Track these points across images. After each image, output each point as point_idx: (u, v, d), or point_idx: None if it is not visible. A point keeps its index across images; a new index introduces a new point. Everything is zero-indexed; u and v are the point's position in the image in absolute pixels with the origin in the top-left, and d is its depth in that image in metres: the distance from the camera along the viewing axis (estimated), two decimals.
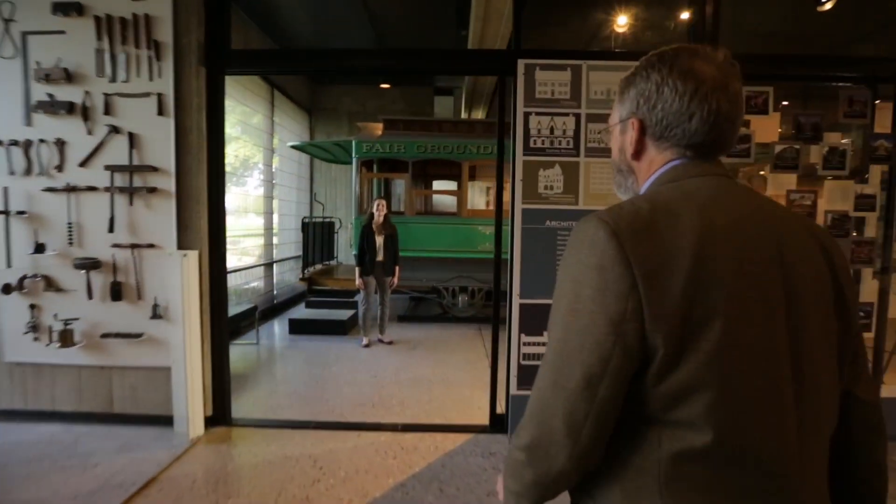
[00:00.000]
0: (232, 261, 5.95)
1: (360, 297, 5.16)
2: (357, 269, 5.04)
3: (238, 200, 6.45)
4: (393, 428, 3.10)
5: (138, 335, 2.91)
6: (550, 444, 0.61)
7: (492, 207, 8.20)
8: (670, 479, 0.57)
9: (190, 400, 2.90)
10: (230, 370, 3.22)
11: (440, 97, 8.88)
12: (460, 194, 5.95)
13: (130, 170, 2.83)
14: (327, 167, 8.82)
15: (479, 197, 8.57)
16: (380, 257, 5.04)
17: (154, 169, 2.83)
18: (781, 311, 0.59)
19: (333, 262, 7.90)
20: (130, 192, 2.84)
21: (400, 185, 7.68)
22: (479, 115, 8.82)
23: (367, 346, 5.12)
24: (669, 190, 0.65)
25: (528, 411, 0.65)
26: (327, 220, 7.71)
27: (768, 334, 0.58)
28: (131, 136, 2.82)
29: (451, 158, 5.91)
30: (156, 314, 2.89)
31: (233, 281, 5.91)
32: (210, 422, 3.04)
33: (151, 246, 2.88)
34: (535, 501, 0.67)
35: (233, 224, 6.21)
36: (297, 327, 5.59)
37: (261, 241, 6.70)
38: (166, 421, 2.92)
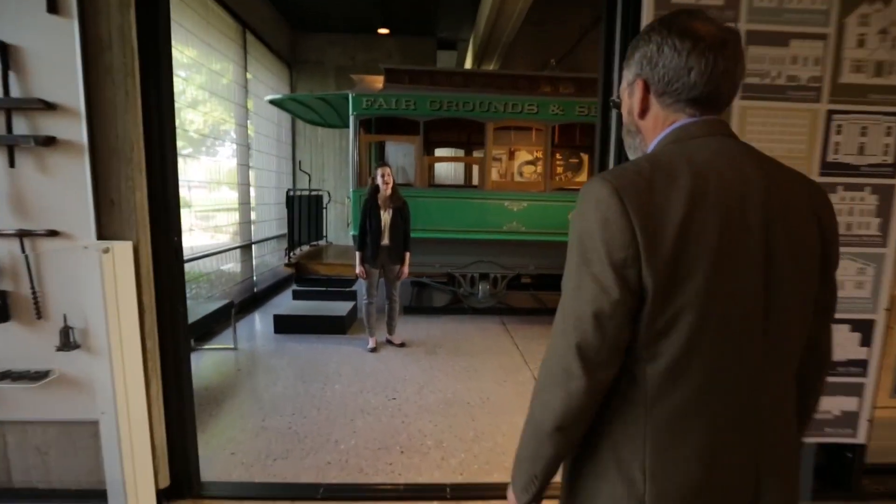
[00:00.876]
0: (202, 240, 4.81)
1: (361, 290, 4.13)
2: (357, 255, 3.99)
3: (206, 173, 5.24)
4: (439, 495, 2.16)
5: (42, 374, 1.84)
6: (569, 379, 0.68)
7: (523, 178, 7.20)
8: (654, 404, 0.68)
9: (130, 467, 1.88)
10: (193, 412, 2.18)
11: (444, 52, 7.65)
12: (483, 162, 4.89)
13: (7, 107, 1.70)
14: (312, 131, 7.57)
15: (508, 165, 7.50)
16: (385, 240, 4.00)
17: (49, 106, 1.70)
18: (759, 268, 0.67)
19: (322, 243, 6.80)
20: (9, 145, 1.71)
21: (397, 151, 6.56)
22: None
23: (373, 349, 4.13)
24: (672, 151, 0.71)
25: (548, 367, 0.72)
26: (314, 193, 6.55)
27: (744, 286, 0.67)
28: (3, 49, 1.67)
29: (473, 118, 4.81)
30: (68, 341, 1.82)
31: (203, 266, 4.79)
32: (166, 495, 2.04)
33: (54, 234, 1.78)
34: (550, 474, 0.76)
35: (201, 199, 5.03)
36: (285, 325, 4.54)
37: (235, 217, 5.54)
38: (97, 498, 1.91)
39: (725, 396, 0.68)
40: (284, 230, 5.51)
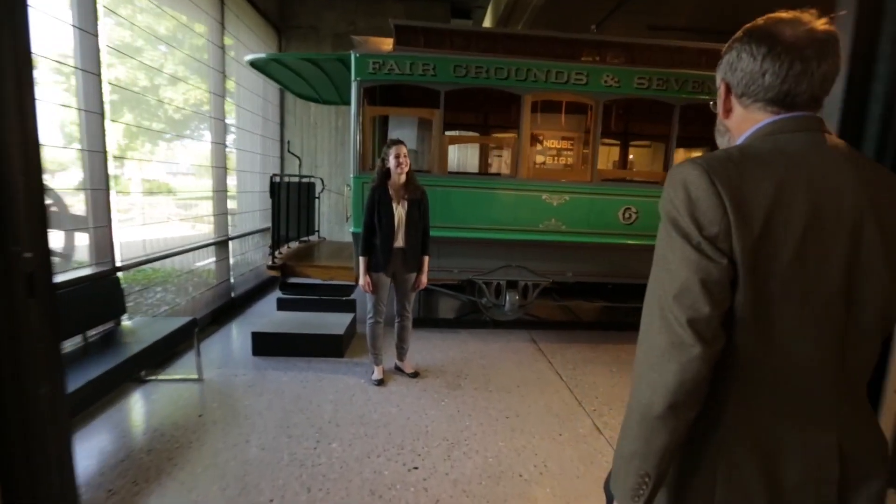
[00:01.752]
0: (169, 233, 3.81)
1: (361, 300, 3.19)
2: (360, 261, 3.04)
3: (167, 152, 4.24)
4: None
5: None
6: (680, 351, 0.69)
7: (568, 162, 6.25)
8: (737, 379, 0.73)
9: None
10: None
11: (458, 20, 6.66)
12: (518, 146, 3.94)
13: None
14: (303, 108, 6.55)
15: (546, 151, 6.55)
16: (399, 241, 3.06)
17: None
18: (843, 261, 0.70)
19: (314, 238, 5.82)
20: None
21: (399, 133, 5.58)
22: None
23: (380, 381, 3.20)
24: (763, 143, 0.76)
25: (642, 356, 0.74)
26: (305, 180, 5.56)
27: (825, 277, 0.70)
28: None
29: (506, 88, 3.85)
30: None
31: (166, 267, 3.81)
32: None
33: None
34: (663, 471, 0.74)
35: (160, 185, 4.03)
36: (266, 345, 3.59)
37: (209, 208, 4.55)
38: None
39: (803, 381, 0.73)
40: (270, 223, 4.53)
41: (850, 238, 0.71)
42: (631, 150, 6.31)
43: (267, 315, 4.44)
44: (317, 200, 5.84)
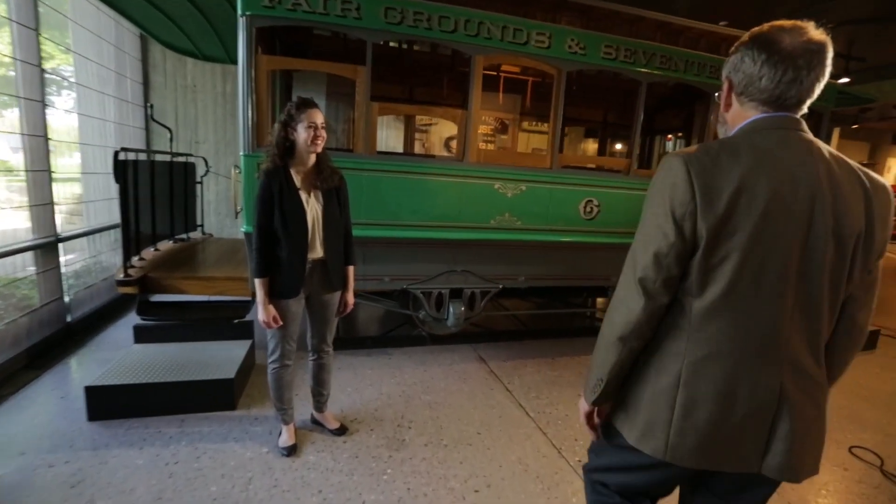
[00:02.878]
0: None
1: (268, 343, 2.19)
2: (258, 286, 2.03)
3: None
4: None
5: None
6: (630, 301, 0.94)
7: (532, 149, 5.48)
8: (696, 330, 0.93)
9: None
10: None
11: None
12: (466, 122, 3.12)
13: None
14: (177, 65, 5.06)
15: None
16: (316, 251, 2.12)
17: None
18: (796, 239, 0.87)
19: (196, 235, 4.51)
20: None
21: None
22: None
23: (291, 449, 2.25)
24: (741, 137, 0.92)
25: (617, 295, 0.99)
26: (180, 159, 4.22)
27: (782, 251, 0.87)
28: None
29: (453, 43, 2.99)
30: None
31: None
32: None
33: None
34: (613, 378, 1.01)
35: None
36: (110, 404, 2.42)
37: (20, 197, 3.10)
38: None
39: (755, 330, 0.90)
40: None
41: (804, 220, 0.87)
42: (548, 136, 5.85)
43: (121, 349, 3.18)
44: (198, 186, 4.51)
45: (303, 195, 2.05)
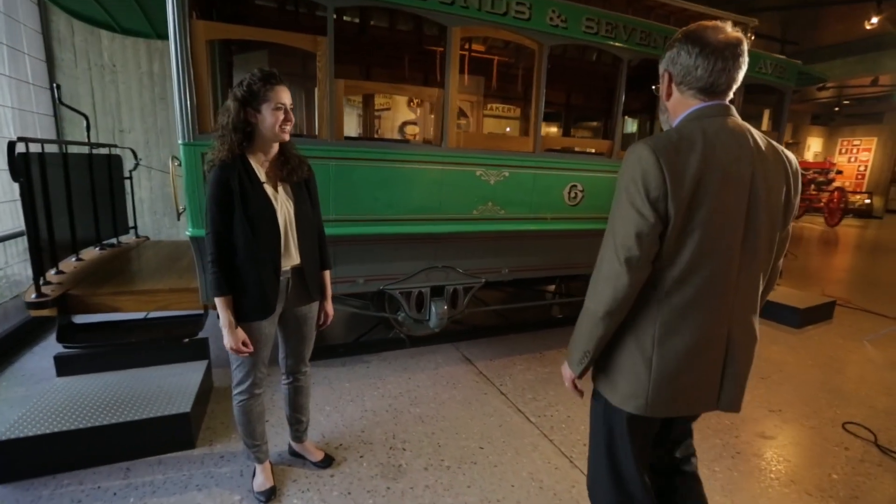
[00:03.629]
0: None
1: (233, 371, 1.80)
2: (219, 305, 1.64)
3: None
4: None
5: None
6: (617, 279, 1.05)
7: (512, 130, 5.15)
8: (666, 298, 1.08)
9: None
10: None
11: None
12: (444, 102, 2.79)
13: None
14: (89, 39, 4.31)
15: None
16: (291, 257, 1.76)
17: None
18: (744, 207, 1.06)
19: (129, 239, 3.90)
20: None
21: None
22: None
23: (270, 493, 1.90)
24: (692, 126, 1.06)
25: (601, 274, 1.09)
26: (102, 150, 3.59)
27: (733, 217, 1.05)
28: None
29: (428, 12, 2.64)
30: None
31: None
32: None
33: None
34: (598, 350, 1.15)
35: None
36: (37, 459, 1.93)
37: None
38: None
39: (715, 291, 1.07)
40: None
41: (748, 192, 1.05)
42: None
43: (41, 382, 2.63)
44: (127, 182, 3.88)
45: (269, 191, 1.67)
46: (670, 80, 1.12)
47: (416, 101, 5.87)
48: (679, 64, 1.09)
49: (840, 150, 16.09)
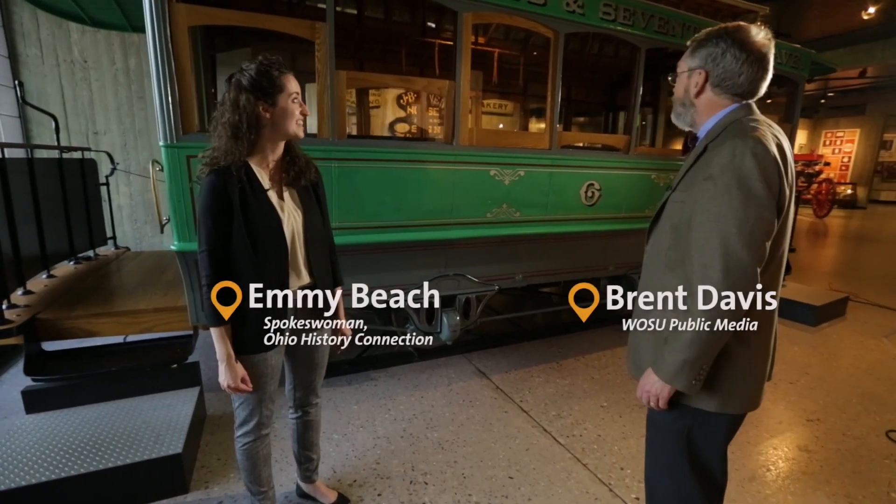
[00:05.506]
0: None
1: (236, 410, 1.55)
2: (214, 334, 1.37)
3: None
4: None
5: None
6: (746, 281, 0.97)
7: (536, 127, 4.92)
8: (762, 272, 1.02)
9: None
10: None
11: None
12: (454, 94, 2.54)
13: None
14: (56, 33, 3.95)
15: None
16: (302, 278, 1.50)
17: None
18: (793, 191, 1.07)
19: (106, 251, 3.58)
20: None
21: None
22: None
23: None
24: (756, 122, 1.04)
25: (715, 285, 0.98)
26: (74, 154, 3.26)
27: (789, 212, 1.07)
28: None
29: None
30: None
31: None
32: None
33: None
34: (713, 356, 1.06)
35: None
36: None
37: None
38: None
39: (778, 278, 1.10)
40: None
41: (792, 184, 1.05)
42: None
43: (6, 419, 2.33)
44: (103, 188, 3.56)
45: (273, 199, 1.42)
46: (706, 80, 1.08)
47: (406, 97, 5.62)
48: (722, 66, 1.06)
49: (824, 141, 16.29)
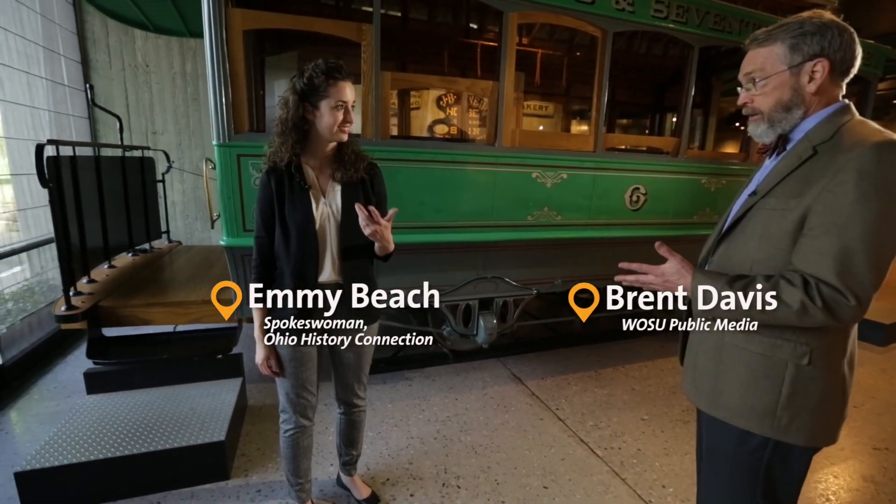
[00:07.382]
0: None
1: (280, 396, 1.59)
2: (255, 315, 1.44)
3: None
4: None
5: None
6: (843, 316, 0.89)
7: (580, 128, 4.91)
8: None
9: None
10: None
11: None
12: (497, 94, 2.52)
13: None
14: (123, 38, 4.23)
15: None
16: (325, 269, 1.49)
17: None
18: None
19: (160, 244, 3.79)
20: None
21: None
22: None
23: None
24: (867, 122, 0.95)
25: (816, 298, 0.88)
26: (135, 153, 3.48)
27: None
28: None
29: None
30: None
31: None
32: None
33: None
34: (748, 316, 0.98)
35: None
36: (63, 492, 1.77)
37: None
38: None
39: None
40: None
41: None
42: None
43: (71, 397, 2.50)
44: (159, 185, 3.77)
45: (312, 196, 1.44)
46: (830, 69, 0.94)
47: (447, 98, 5.63)
48: (844, 51, 0.93)
49: None
